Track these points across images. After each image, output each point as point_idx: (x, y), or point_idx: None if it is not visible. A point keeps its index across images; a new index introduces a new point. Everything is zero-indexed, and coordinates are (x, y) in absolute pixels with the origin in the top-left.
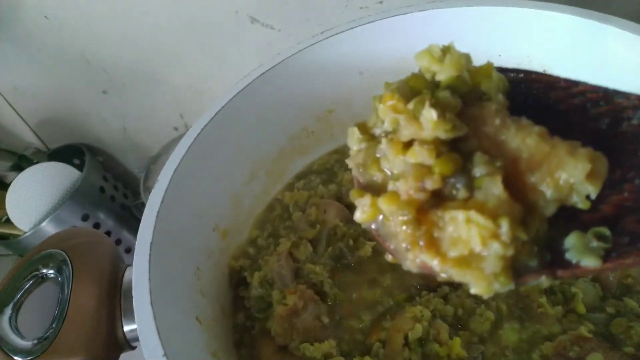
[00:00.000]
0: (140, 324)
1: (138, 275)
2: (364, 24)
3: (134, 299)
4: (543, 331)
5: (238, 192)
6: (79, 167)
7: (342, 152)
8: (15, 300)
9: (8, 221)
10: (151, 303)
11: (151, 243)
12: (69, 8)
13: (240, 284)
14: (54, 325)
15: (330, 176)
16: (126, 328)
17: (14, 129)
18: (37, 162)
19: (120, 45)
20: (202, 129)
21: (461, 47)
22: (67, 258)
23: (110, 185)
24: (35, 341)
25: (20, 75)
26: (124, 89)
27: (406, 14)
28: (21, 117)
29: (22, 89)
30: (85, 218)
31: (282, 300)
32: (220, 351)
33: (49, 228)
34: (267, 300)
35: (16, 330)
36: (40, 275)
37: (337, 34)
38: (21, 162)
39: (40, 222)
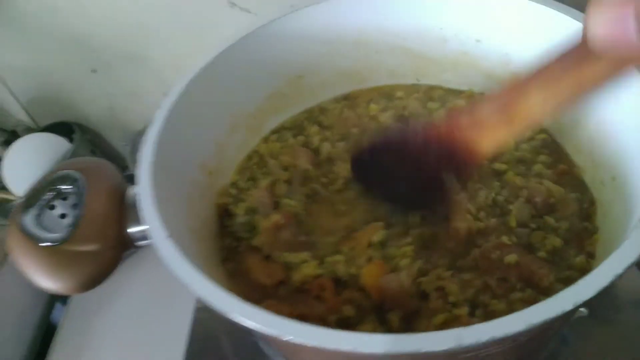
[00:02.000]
0: (146, 214)
1: (142, 181)
2: (328, 0)
3: (139, 199)
4: None
5: (222, 141)
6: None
7: (311, 112)
8: (38, 205)
9: (2, 188)
10: (154, 203)
11: (151, 163)
12: None
13: (225, 216)
14: (73, 223)
15: (300, 130)
16: (130, 230)
17: (5, 106)
18: None
19: (109, 26)
20: (190, 80)
21: (409, 24)
22: (81, 176)
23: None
24: (58, 234)
25: (13, 54)
26: (111, 68)
27: None
28: (13, 95)
29: (15, 68)
30: None
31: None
32: (210, 262)
33: None
34: (252, 224)
35: (40, 226)
36: (57, 189)
37: (304, 8)
38: (11, 138)
39: None
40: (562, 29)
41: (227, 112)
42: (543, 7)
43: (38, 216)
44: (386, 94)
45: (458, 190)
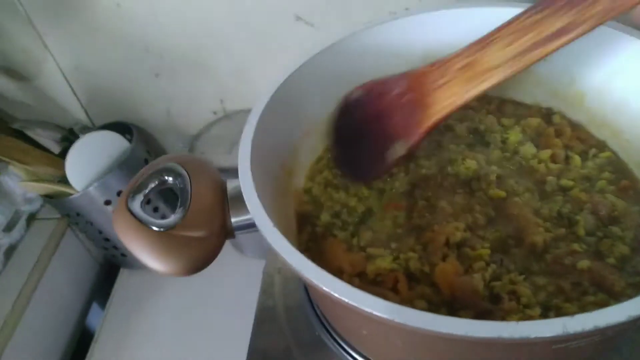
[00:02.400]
0: (251, 208)
1: (244, 179)
2: (399, 18)
3: (244, 193)
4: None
5: (297, 144)
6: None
7: None
8: (144, 192)
9: (60, 182)
10: (258, 197)
11: (250, 159)
12: None
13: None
14: (182, 209)
15: None
16: (233, 220)
17: (66, 105)
18: None
19: (178, 34)
20: (277, 89)
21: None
22: (184, 168)
23: (152, 158)
24: (171, 219)
25: (84, 56)
26: (174, 73)
27: (433, 11)
28: (75, 95)
29: (82, 69)
30: None
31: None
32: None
33: (96, 191)
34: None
35: (147, 213)
36: (162, 179)
37: (380, 24)
38: (69, 136)
39: (90, 184)
40: (623, 48)
41: (304, 117)
42: (606, 28)
43: (145, 202)
44: None
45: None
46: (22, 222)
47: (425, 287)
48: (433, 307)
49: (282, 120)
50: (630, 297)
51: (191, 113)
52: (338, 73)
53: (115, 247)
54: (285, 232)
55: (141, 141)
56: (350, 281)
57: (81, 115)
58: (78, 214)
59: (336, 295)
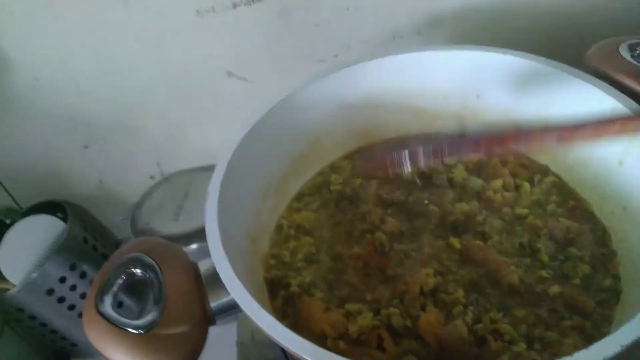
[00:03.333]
0: (233, 291)
1: (215, 256)
2: (340, 70)
3: (222, 276)
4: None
5: (258, 208)
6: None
7: (323, 173)
8: (113, 292)
9: None
10: (237, 276)
11: (221, 240)
12: (60, 69)
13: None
14: (159, 305)
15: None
16: (212, 304)
17: None
18: (11, 222)
19: (105, 101)
20: (232, 155)
21: (412, 84)
22: (151, 258)
23: (91, 236)
24: (147, 319)
25: (3, 135)
26: (104, 142)
27: (370, 60)
28: None
29: (2, 149)
30: (72, 267)
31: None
32: None
33: (38, 281)
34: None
35: (120, 314)
36: (129, 272)
37: (320, 78)
38: None
39: (29, 275)
40: (555, 82)
41: (260, 179)
42: (536, 63)
43: (115, 303)
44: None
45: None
46: None
47: (410, 341)
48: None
49: (241, 188)
50: (601, 315)
51: (126, 181)
52: (287, 130)
53: (63, 338)
54: (261, 303)
55: (76, 219)
56: (335, 345)
57: (4, 200)
58: (19, 309)
59: None
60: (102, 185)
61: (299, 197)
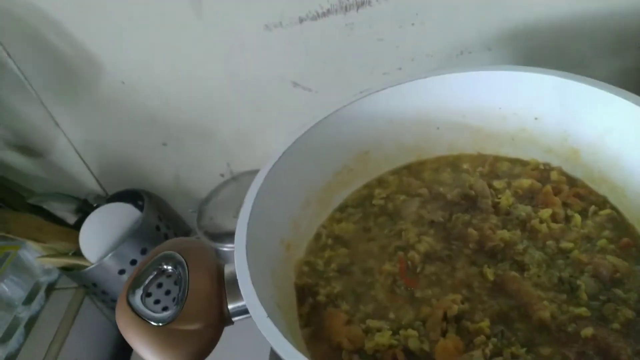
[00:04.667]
0: (246, 297)
1: (239, 263)
2: (392, 86)
3: (239, 282)
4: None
5: (297, 216)
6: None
7: (370, 186)
8: (144, 285)
9: (75, 254)
10: (251, 279)
11: (246, 244)
12: (143, 75)
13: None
14: (179, 302)
15: (365, 211)
16: (230, 307)
17: (79, 176)
18: (97, 206)
19: (182, 104)
20: (274, 164)
21: (468, 100)
22: (182, 257)
23: (164, 224)
24: (167, 314)
25: (94, 131)
26: (180, 141)
27: (425, 77)
28: (87, 167)
29: (93, 142)
30: (143, 252)
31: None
32: (293, 330)
33: (111, 262)
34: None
35: (147, 306)
36: (161, 269)
37: (372, 93)
38: (83, 206)
39: (105, 255)
40: (615, 109)
41: (302, 188)
42: (597, 89)
43: (144, 295)
44: (450, 163)
45: (519, 278)
46: (41, 294)
47: None
48: None
49: (279, 196)
50: None
51: (199, 177)
52: (334, 142)
53: None
54: (285, 307)
55: (152, 208)
56: (349, 358)
57: (94, 186)
58: (94, 284)
59: None
60: (178, 180)
61: (343, 208)
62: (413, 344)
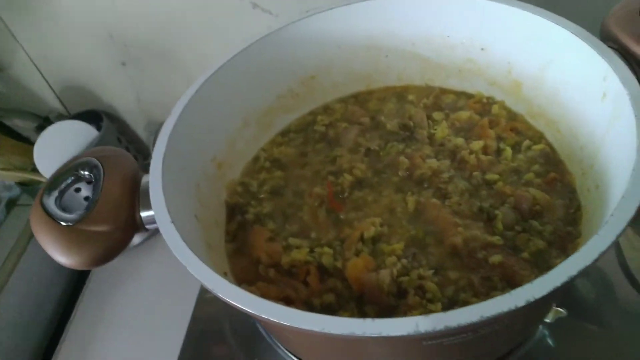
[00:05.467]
0: (154, 203)
1: (153, 171)
2: (338, 7)
3: (150, 188)
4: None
5: (233, 136)
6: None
7: (316, 113)
8: (60, 189)
9: (33, 170)
10: (162, 189)
11: (164, 155)
12: None
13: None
14: (90, 204)
15: (307, 136)
16: (142, 214)
17: (40, 93)
18: None
19: (140, 23)
20: (207, 79)
21: (417, 26)
22: (100, 163)
23: (123, 146)
24: (76, 215)
25: (52, 45)
26: (140, 62)
27: None
28: (48, 84)
29: (51, 58)
30: None
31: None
32: (213, 243)
33: None
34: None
35: (61, 208)
36: (78, 175)
37: (319, 12)
38: (45, 124)
39: None
40: (560, 40)
41: (240, 109)
42: (543, 19)
43: (59, 198)
44: (397, 94)
45: (440, 205)
46: (1, 208)
47: (336, 282)
48: (342, 301)
49: (212, 111)
50: None
51: (161, 102)
52: (277, 63)
53: None
54: (210, 222)
55: (111, 128)
56: (266, 271)
57: (56, 104)
58: None
59: (209, 287)
60: (139, 103)
61: (285, 133)
62: (327, 260)
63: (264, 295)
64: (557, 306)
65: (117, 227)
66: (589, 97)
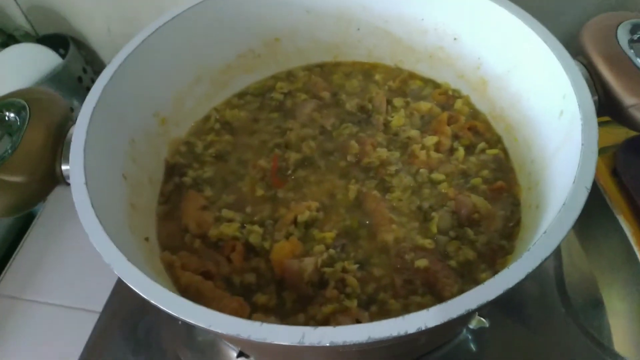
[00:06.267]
0: (72, 158)
1: (79, 124)
2: None
3: (72, 142)
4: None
5: (182, 92)
6: (63, 57)
7: (278, 78)
8: None
9: None
10: (84, 144)
11: (94, 107)
12: None
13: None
14: (9, 151)
15: (263, 102)
16: (63, 167)
17: (6, 9)
18: None
19: None
20: (159, 28)
21: (391, 2)
22: (27, 106)
23: (88, 77)
24: None
25: None
26: None
27: None
28: None
29: None
30: None
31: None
32: (140, 204)
33: None
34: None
35: None
36: (2, 116)
37: None
38: (9, 42)
39: None
40: (530, 46)
41: (194, 64)
42: (518, 20)
43: None
44: (365, 71)
45: (380, 198)
46: None
47: (261, 262)
48: (263, 282)
49: (159, 64)
50: None
51: (132, 33)
52: (237, 20)
53: None
54: (142, 181)
55: (79, 58)
56: (191, 241)
57: (22, 22)
58: None
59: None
60: (110, 33)
61: (242, 95)
62: (254, 239)
63: (184, 266)
64: (480, 315)
65: (33, 179)
66: (547, 111)
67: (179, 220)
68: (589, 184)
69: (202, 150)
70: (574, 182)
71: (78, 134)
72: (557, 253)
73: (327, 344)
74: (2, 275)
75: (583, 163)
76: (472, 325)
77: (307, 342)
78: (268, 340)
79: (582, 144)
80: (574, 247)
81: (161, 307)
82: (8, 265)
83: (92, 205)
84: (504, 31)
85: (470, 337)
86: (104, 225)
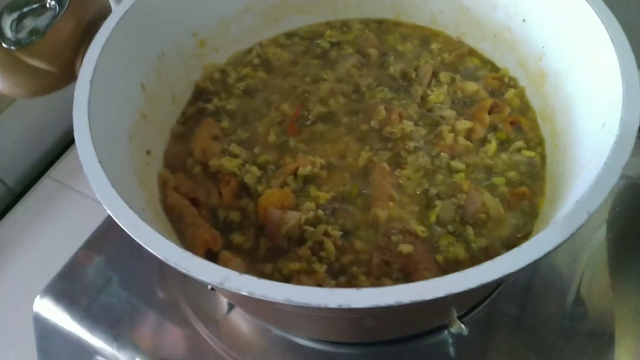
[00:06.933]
0: (88, 54)
1: (107, 23)
2: None
3: (91, 44)
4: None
5: (229, 17)
6: None
7: (331, 25)
8: (21, 12)
9: None
10: (104, 44)
11: (127, 10)
12: None
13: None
14: (35, 37)
15: (309, 47)
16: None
17: None
18: None
19: None
20: None
21: None
22: None
23: None
24: (19, 39)
25: None
26: None
27: None
28: None
29: None
30: None
31: None
32: (153, 117)
33: None
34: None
35: (14, 31)
36: (44, 3)
37: None
38: None
39: None
40: (595, 41)
41: None
42: (591, 10)
43: (16, 22)
44: (423, 37)
45: (388, 172)
46: None
47: (250, 203)
48: (245, 223)
49: None
50: None
51: None
52: None
53: None
54: (161, 96)
55: None
56: (192, 165)
57: None
58: None
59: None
60: None
61: (291, 35)
62: (250, 179)
63: (177, 187)
64: (459, 318)
65: (52, 70)
66: (592, 120)
67: (189, 144)
68: (592, 209)
69: (234, 82)
70: (575, 203)
71: (102, 32)
72: (571, 276)
73: (246, 293)
74: (57, 162)
75: (596, 185)
76: (453, 329)
77: (227, 286)
78: (245, 291)
79: (605, 164)
80: (602, 278)
81: (137, 238)
82: (66, 153)
83: (89, 103)
84: (574, 21)
85: (450, 341)
86: (92, 124)
